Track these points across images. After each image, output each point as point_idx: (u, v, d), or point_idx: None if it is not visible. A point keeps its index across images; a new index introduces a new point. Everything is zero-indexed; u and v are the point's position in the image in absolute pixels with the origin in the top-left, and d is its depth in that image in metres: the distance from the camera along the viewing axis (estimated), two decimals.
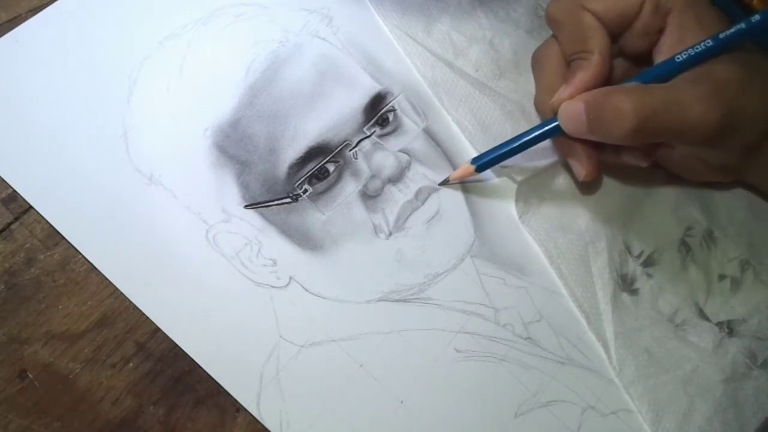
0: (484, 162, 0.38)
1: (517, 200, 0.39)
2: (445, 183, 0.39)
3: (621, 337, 0.37)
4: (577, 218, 0.39)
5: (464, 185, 0.39)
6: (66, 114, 0.37)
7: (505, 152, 0.37)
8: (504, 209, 0.40)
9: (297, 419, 0.33)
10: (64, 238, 0.35)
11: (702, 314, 0.39)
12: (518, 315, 0.37)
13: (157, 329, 0.34)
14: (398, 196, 0.38)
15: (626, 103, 0.32)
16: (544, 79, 0.38)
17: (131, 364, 0.33)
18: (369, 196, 0.38)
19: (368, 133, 0.39)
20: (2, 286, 0.34)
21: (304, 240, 0.37)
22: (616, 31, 0.36)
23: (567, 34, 0.37)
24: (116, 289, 0.34)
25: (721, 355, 0.38)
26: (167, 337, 0.34)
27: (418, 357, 0.36)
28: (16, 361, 0.33)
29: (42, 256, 0.35)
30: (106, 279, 0.34)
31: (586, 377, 0.37)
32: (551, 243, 0.38)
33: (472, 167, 0.38)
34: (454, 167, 0.40)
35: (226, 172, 0.37)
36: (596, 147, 0.36)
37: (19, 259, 0.34)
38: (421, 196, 0.39)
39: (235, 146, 0.38)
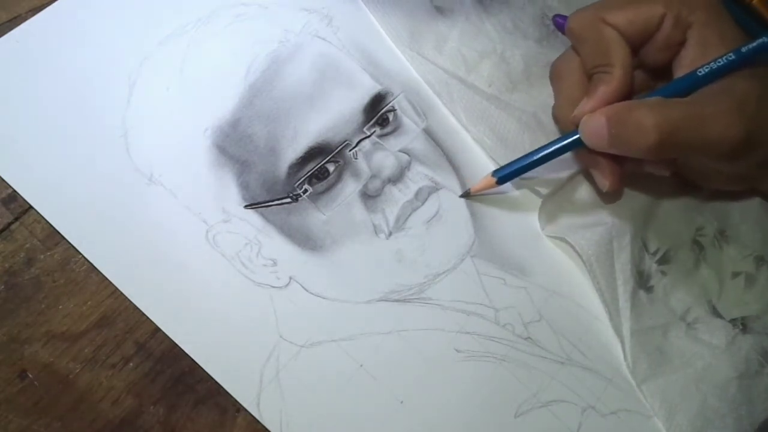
0: (505, 174, 0.38)
1: (540, 215, 0.40)
2: (466, 195, 0.39)
3: (636, 334, 0.37)
4: (601, 217, 0.39)
5: (465, 186, 0.40)
6: (66, 114, 0.37)
7: (526, 165, 0.37)
8: (504, 209, 0.40)
9: (297, 419, 0.33)
10: (64, 238, 0.35)
11: (715, 311, 0.39)
12: (518, 315, 0.37)
13: (157, 329, 0.34)
14: (398, 196, 0.38)
15: (648, 118, 0.32)
16: (565, 91, 0.38)
17: (131, 364, 0.33)
18: (369, 196, 0.38)
19: (368, 133, 0.39)
20: (2, 286, 0.34)
21: (304, 240, 0.37)
22: (636, 45, 0.36)
23: (588, 47, 0.37)
24: (116, 289, 0.34)
25: (734, 352, 0.38)
26: (167, 337, 0.34)
27: (418, 357, 0.36)
28: (16, 361, 0.33)
29: (42, 256, 0.35)
30: (106, 279, 0.34)
31: (586, 377, 0.37)
32: (579, 236, 0.38)
33: (494, 179, 0.38)
34: (455, 167, 0.40)
35: (226, 172, 0.37)
36: (619, 158, 0.36)
37: (19, 259, 0.34)
38: (421, 196, 0.39)
39: (235, 146, 0.38)
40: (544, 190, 0.40)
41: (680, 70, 0.36)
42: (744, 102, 0.33)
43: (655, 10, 0.35)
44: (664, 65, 0.37)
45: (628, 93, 0.36)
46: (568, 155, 0.38)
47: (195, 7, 0.40)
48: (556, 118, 0.40)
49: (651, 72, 0.38)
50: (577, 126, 0.36)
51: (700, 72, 0.34)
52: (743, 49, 0.34)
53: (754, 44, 0.34)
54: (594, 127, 0.34)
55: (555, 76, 0.40)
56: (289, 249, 0.36)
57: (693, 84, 0.34)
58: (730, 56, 0.34)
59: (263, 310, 0.35)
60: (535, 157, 0.37)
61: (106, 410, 0.33)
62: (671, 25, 0.35)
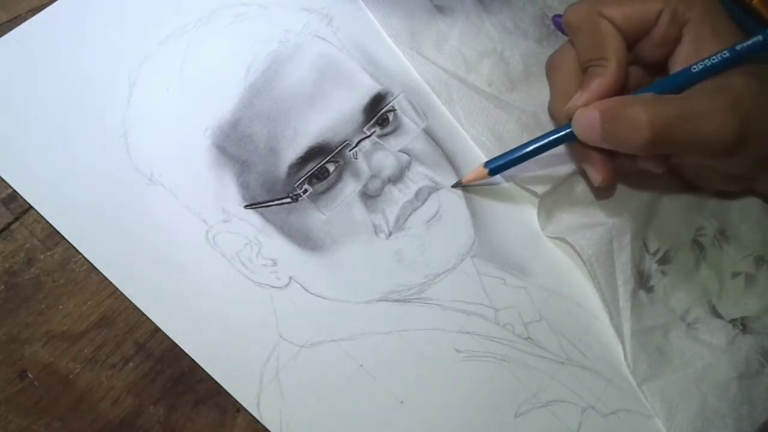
0: (497, 165, 0.38)
1: (539, 215, 0.40)
2: (457, 185, 0.39)
3: (636, 334, 0.37)
4: (601, 217, 0.39)
5: (465, 186, 0.40)
6: (66, 114, 0.37)
7: (518, 156, 0.37)
8: (504, 209, 0.40)
9: (297, 419, 0.33)
10: (64, 238, 0.35)
11: (715, 312, 0.39)
12: (518, 315, 0.37)
13: (157, 329, 0.34)
14: (398, 196, 0.38)
15: (642, 114, 0.32)
16: (560, 84, 0.38)
17: (131, 364, 0.33)
18: (369, 196, 0.38)
19: (368, 133, 0.39)
20: (2, 286, 0.34)
21: (304, 240, 0.37)
22: (632, 39, 0.36)
23: (584, 40, 0.37)
24: (116, 289, 0.34)
25: (734, 352, 0.38)
26: (167, 337, 0.34)
27: (418, 357, 0.36)
28: (16, 361, 0.33)
29: (42, 256, 0.35)
30: (106, 279, 0.34)
31: (586, 377, 0.37)
32: (579, 236, 0.38)
33: (485, 170, 0.38)
34: (455, 167, 0.40)
35: (226, 172, 0.37)
36: (611, 153, 0.36)
37: (19, 259, 0.34)
38: (421, 196, 0.39)
39: (235, 146, 0.38)
40: (541, 190, 0.40)
41: (675, 66, 0.36)
42: (738, 100, 0.33)
43: (652, 5, 0.35)
44: (660, 61, 0.37)
45: (622, 87, 0.36)
46: (565, 154, 0.38)
47: (195, 7, 0.40)
48: (551, 112, 0.40)
49: (647, 68, 0.38)
50: (570, 118, 0.36)
51: (694, 69, 0.34)
52: (738, 47, 0.34)
53: (749, 42, 0.34)
54: (587, 120, 0.34)
55: (550, 69, 0.40)
56: (289, 249, 0.36)
57: (687, 80, 0.34)
58: (725, 54, 0.34)
59: (263, 310, 0.35)
60: (527, 149, 0.37)
61: (106, 410, 0.33)
62: (668, 22, 0.35)
